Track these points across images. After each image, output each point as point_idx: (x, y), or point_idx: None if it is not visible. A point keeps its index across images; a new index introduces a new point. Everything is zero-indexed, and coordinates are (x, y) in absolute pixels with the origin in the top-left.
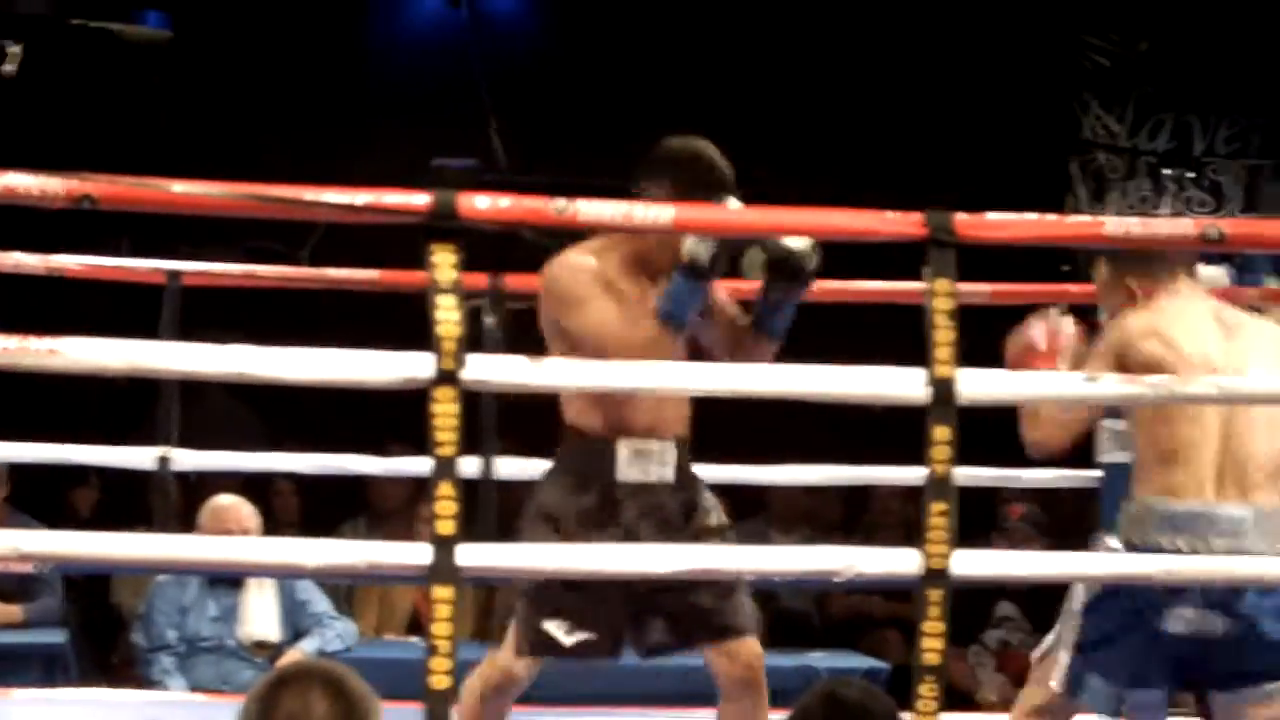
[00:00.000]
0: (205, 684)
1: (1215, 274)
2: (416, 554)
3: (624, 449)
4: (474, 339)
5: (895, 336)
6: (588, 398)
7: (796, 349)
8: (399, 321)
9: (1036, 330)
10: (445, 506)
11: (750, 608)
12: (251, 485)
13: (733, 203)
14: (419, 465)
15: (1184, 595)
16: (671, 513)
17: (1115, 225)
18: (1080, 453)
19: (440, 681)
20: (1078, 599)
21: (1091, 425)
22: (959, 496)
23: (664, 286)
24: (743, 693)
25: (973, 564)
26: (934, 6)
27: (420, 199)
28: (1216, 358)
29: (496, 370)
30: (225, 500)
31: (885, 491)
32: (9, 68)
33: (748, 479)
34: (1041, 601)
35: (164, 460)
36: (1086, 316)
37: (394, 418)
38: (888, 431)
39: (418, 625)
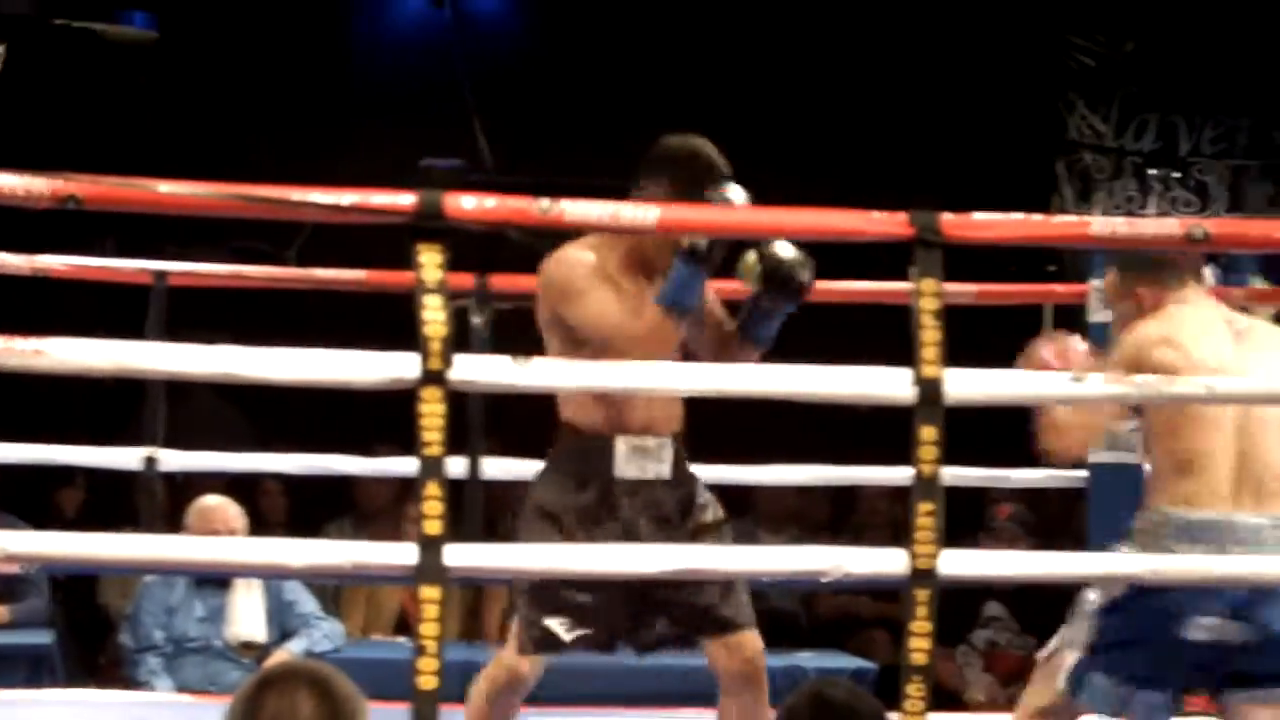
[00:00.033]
0: (192, 685)
1: None
2: (404, 554)
3: (621, 446)
4: (461, 339)
5: (881, 337)
6: (584, 396)
7: (783, 349)
8: (386, 322)
9: (1047, 351)
10: (432, 506)
11: (749, 602)
12: (238, 485)
13: (735, 190)
14: (406, 465)
15: (1205, 602)
16: (669, 509)
17: (1101, 225)
18: None
19: (427, 682)
20: (1092, 601)
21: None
22: (946, 496)
23: (659, 285)
24: (743, 687)
25: (960, 564)
26: (920, 7)
27: (406, 199)
28: (1228, 364)
29: (483, 370)
30: (212, 501)
31: (873, 492)
32: None
33: (735, 479)
34: (1029, 602)
35: (150, 461)
36: (1072, 317)
37: (381, 418)
38: (875, 432)
39: (405, 625)
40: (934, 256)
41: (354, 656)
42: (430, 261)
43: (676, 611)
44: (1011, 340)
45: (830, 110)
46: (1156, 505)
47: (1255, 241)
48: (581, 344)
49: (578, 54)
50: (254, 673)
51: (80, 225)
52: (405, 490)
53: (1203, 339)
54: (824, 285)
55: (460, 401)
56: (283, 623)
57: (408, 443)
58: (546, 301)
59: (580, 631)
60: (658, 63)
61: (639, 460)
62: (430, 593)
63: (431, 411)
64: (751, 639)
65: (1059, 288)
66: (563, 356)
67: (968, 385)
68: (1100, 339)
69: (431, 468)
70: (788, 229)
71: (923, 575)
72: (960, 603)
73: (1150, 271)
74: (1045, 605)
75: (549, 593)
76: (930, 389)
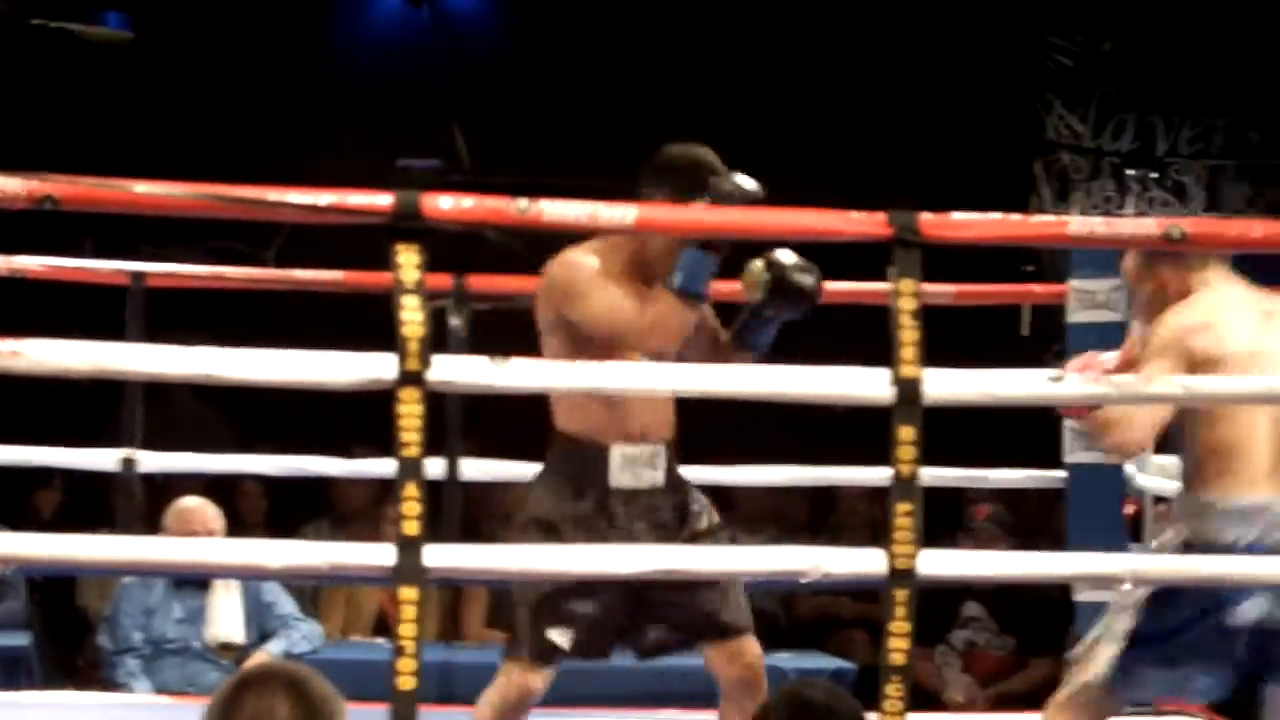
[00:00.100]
0: (171, 686)
1: None
2: (382, 555)
3: (616, 454)
4: (439, 340)
5: (860, 337)
6: (577, 403)
7: None
8: (365, 322)
9: (1074, 365)
10: (410, 507)
11: (747, 608)
12: (217, 487)
13: (744, 179)
14: (384, 466)
15: (1250, 589)
16: (666, 516)
17: (1079, 225)
18: (1046, 453)
19: (406, 682)
20: (1134, 592)
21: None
22: (925, 497)
23: (659, 292)
24: (744, 693)
25: (939, 564)
26: (898, 7)
27: (383, 199)
28: (1260, 348)
29: (461, 371)
30: (190, 502)
31: (851, 492)
32: None
33: (714, 480)
34: (1008, 602)
35: (128, 462)
36: (1050, 317)
37: (360, 419)
38: (853, 432)
39: (384, 626)
40: (912, 256)
41: (333, 657)
42: (408, 262)
43: (675, 618)
44: (989, 340)
45: (808, 110)
46: (1200, 490)
47: (1232, 241)
48: (586, 344)
49: (556, 54)
50: (233, 674)
51: (59, 226)
52: (384, 491)
53: (1235, 324)
54: None
55: (438, 402)
56: (261, 624)
57: (386, 444)
58: (549, 303)
59: (581, 640)
60: (637, 63)
61: (633, 468)
62: (409, 593)
63: (409, 412)
64: (751, 644)
65: (1037, 288)
66: (566, 359)
67: (946, 385)
68: (1079, 340)
69: (410, 469)
70: (766, 229)
71: (901, 575)
72: (939, 603)
73: (1173, 254)
74: (1024, 605)
75: (549, 604)
76: (909, 389)
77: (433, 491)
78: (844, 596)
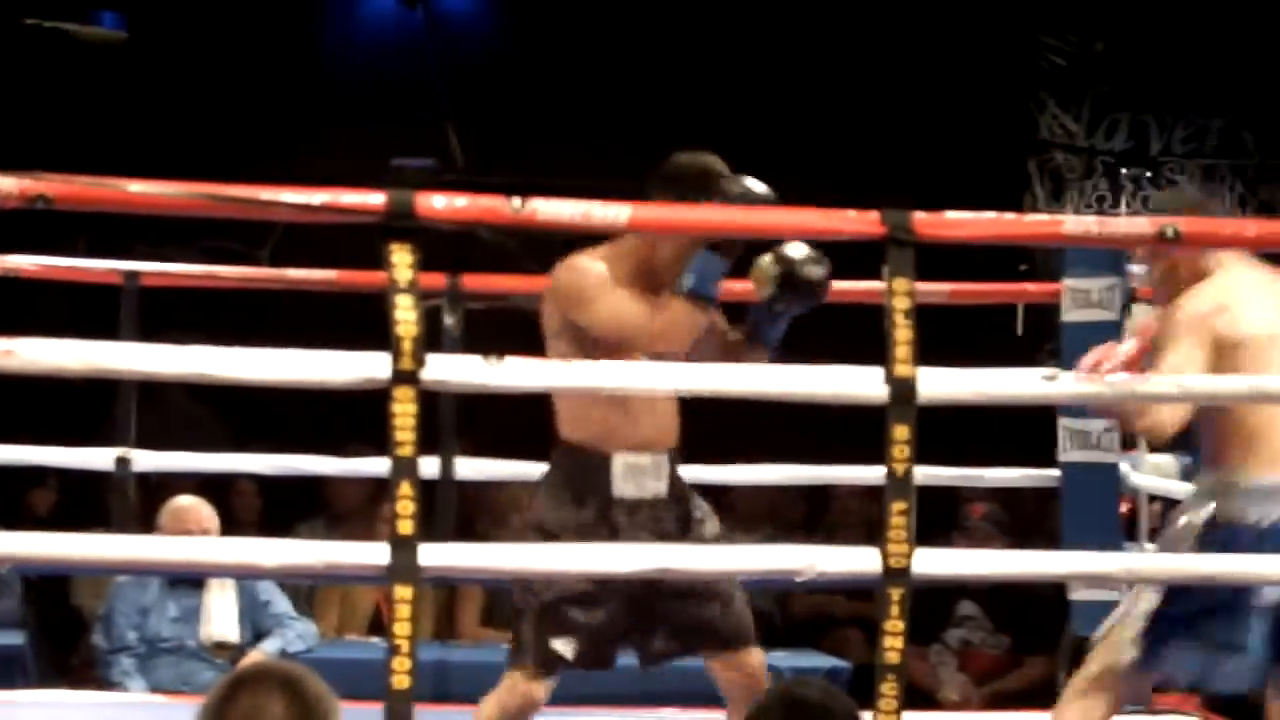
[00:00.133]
0: (166, 685)
1: None
2: (376, 554)
3: (619, 463)
4: (433, 339)
5: (854, 336)
6: (581, 411)
7: None
8: (359, 322)
9: (1089, 357)
10: (405, 506)
11: (750, 617)
12: (211, 486)
13: (754, 183)
14: (378, 465)
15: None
16: (669, 525)
17: (1074, 224)
18: (1041, 452)
19: (401, 681)
20: None
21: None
22: (920, 496)
23: (667, 298)
24: (748, 700)
25: (933, 563)
26: (892, 6)
27: (376, 198)
28: (1276, 330)
29: (455, 370)
30: (185, 501)
31: (846, 491)
32: None
33: (709, 479)
34: (1003, 601)
35: (123, 461)
36: (1044, 315)
37: (354, 418)
38: (848, 431)
39: (379, 625)
40: (906, 255)
41: (328, 656)
42: (402, 261)
43: (678, 628)
44: (983, 339)
45: (802, 109)
46: (1223, 470)
47: (1226, 240)
48: (593, 348)
49: (550, 54)
50: (227, 673)
51: (52, 225)
52: (378, 490)
53: (1252, 305)
54: None
55: (432, 401)
56: (256, 623)
57: (380, 443)
58: (556, 308)
59: (584, 650)
60: (631, 63)
61: (637, 478)
62: (403, 592)
63: (404, 411)
64: (755, 654)
65: (1031, 287)
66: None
67: (941, 385)
68: (1073, 339)
69: (404, 468)
70: (760, 227)
71: (896, 574)
72: (934, 602)
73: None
74: (1019, 604)
75: (552, 614)
76: (903, 388)
77: (427, 490)
78: (839, 595)
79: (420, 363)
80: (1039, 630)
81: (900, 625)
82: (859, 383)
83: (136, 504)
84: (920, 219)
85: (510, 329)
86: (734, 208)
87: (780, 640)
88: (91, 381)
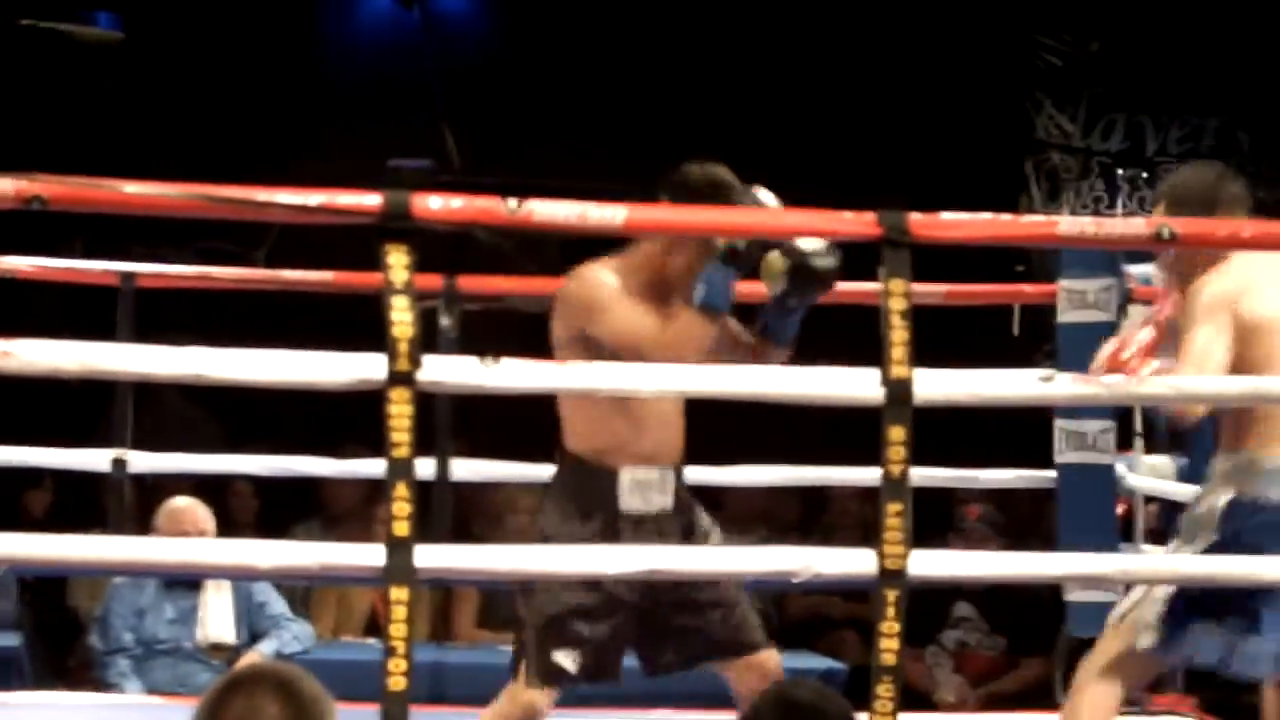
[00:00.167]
0: (162, 687)
1: (1149, 271)
2: (372, 555)
3: (626, 477)
4: (429, 340)
5: (850, 337)
6: (587, 424)
7: None
8: (355, 323)
9: (1108, 347)
10: (401, 508)
11: (759, 622)
12: (208, 487)
13: (766, 194)
14: (374, 467)
15: None
16: (674, 540)
17: (1069, 225)
18: (1037, 453)
19: (397, 683)
20: (1182, 552)
21: None
22: (916, 497)
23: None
24: None
25: (929, 564)
26: (888, 7)
27: (372, 199)
28: None
29: (451, 371)
30: (181, 502)
31: (842, 492)
32: None
33: (704, 480)
34: (999, 602)
35: (119, 462)
36: (1040, 316)
37: (350, 419)
38: (844, 432)
39: (375, 627)
40: (902, 256)
41: (324, 658)
42: (398, 262)
43: (688, 638)
44: (979, 341)
45: (798, 110)
46: (1242, 449)
47: (1221, 241)
48: (604, 358)
49: (546, 55)
50: (223, 675)
51: (48, 226)
52: (374, 491)
53: (1271, 288)
54: None
55: (428, 403)
56: (253, 624)
57: (376, 444)
58: (567, 319)
59: (587, 664)
60: (627, 64)
61: (643, 492)
62: (399, 594)
63: (399, 412)
64: (770, 656)
65: (1028, 288)
66: None
67: (936, 386)
68: (1069, 340)
69: (400, 469)
70: (756, 228)
71: (892, 575)
72: (930, 603)
73: (1200, 211)
74: (1015, 606)
75: (556, 627)
76: (899, 389)
77: (423, 492)
78: (835, 596)
79: (416, 364)
80: (1035, 632)
81: (896, 627)
82: (855, 384)
83: (133, 505)
84: (916, 220)
85: (506, 330)
86: (731, 209)
87: (776, 641)
88: (87, 382)
